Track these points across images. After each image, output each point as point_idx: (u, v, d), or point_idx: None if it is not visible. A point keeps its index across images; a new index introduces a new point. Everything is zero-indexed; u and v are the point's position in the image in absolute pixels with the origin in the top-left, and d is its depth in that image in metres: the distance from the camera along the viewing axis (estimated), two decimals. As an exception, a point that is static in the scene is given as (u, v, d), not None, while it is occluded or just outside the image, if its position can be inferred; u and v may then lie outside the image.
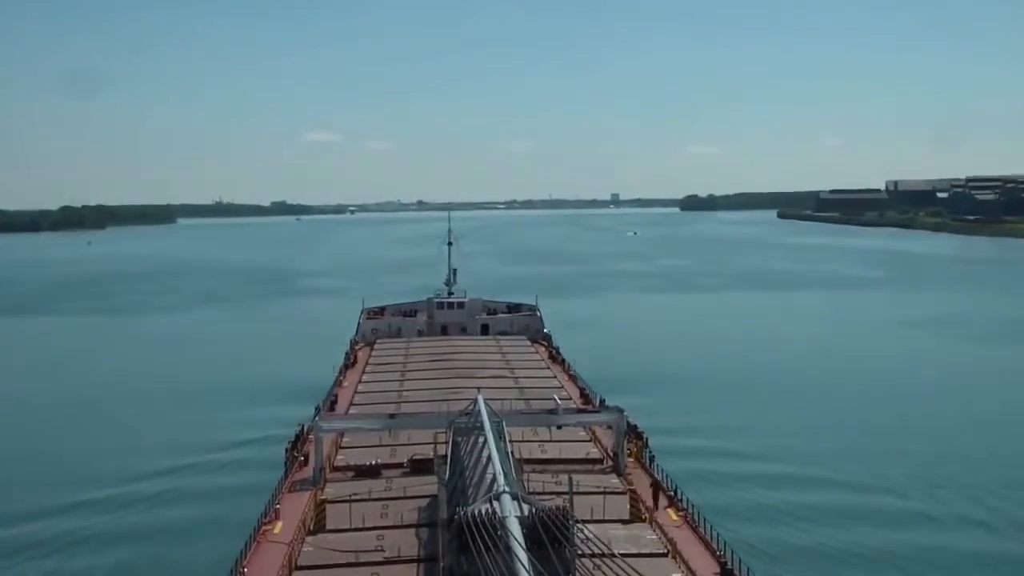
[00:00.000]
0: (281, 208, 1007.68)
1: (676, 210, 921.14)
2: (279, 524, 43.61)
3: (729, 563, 37.80)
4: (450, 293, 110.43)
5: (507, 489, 31.26)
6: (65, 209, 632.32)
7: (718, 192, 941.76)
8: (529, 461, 49.04)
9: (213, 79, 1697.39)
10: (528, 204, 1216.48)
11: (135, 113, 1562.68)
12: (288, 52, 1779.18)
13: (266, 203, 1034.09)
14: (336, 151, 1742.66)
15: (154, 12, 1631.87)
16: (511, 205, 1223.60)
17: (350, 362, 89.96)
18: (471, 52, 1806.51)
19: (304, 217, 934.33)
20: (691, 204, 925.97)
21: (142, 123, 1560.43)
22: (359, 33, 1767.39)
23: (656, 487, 48.50)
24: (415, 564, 37.77)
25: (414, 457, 51.19)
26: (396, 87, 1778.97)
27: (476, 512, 29.51)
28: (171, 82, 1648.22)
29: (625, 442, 52.27)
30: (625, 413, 53.39)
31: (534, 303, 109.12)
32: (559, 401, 61.38)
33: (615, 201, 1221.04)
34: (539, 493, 40.36)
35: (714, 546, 39.99)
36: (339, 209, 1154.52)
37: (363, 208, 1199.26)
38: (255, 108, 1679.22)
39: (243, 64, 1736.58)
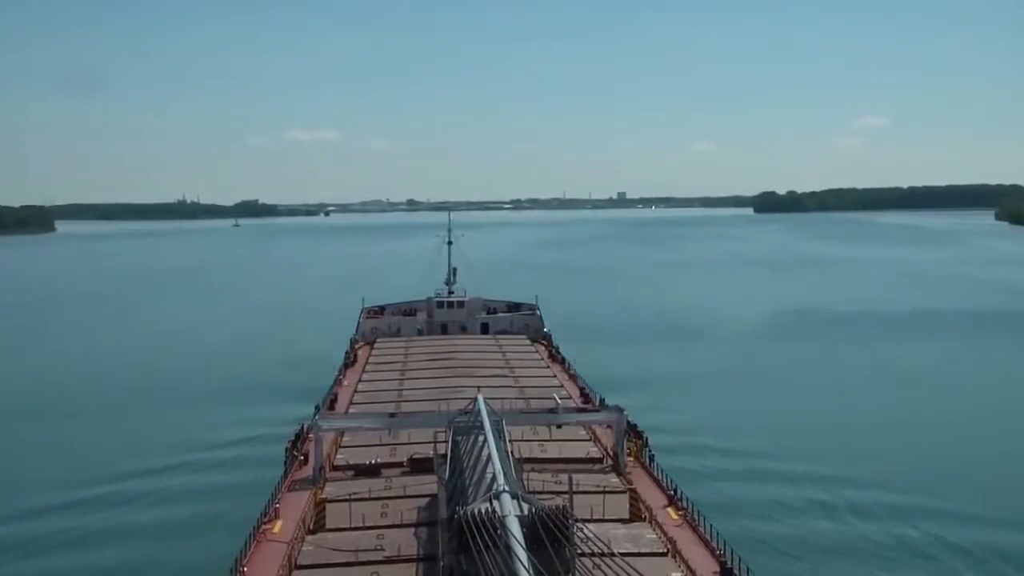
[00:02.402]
0: (251, 208, 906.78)
1: (749, 211, 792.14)
2: (279, 523, 43.61)
3: (729, 562, 37.77)
4: (450, 292, 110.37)
5: (507, 488, 31.22)
6: None
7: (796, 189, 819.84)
8: (529, 460, 49.01)
9: (191, 75, 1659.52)
10: (536, 204, 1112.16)
11: (113, 109, 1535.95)
12: (273, 47, 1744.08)
13: (237, 201, 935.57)
14: (322, 148, 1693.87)
15: (135, 6, 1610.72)
16: (518, 205, 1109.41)
17: (350, 361, 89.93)
18: (464, 42, 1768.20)
19: (245, 222, 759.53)
20: (767, 204, 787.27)
21: (112, 119, 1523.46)
22: (349, 24, 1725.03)
23: (656, 486, 48.53)
24: (415, 563, 37.76)
25: (414, 456, 51.17)
26: (387, 81, 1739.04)
27: (476, 511, 29.47)
28: (149, 79, 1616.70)
29: (625, 441, 52.26)
30: (625, 412, 53.40)
31: (534, 302, 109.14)
32: (559, 400, 61.44)
33: (643, 201, 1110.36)
34: (539, 492, 40.33)
35: (714, 545, 39.97)
36: (317, 209, 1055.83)
37: (346, 208, 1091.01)
38: (237, 105, 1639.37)
39: (223, 59, 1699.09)
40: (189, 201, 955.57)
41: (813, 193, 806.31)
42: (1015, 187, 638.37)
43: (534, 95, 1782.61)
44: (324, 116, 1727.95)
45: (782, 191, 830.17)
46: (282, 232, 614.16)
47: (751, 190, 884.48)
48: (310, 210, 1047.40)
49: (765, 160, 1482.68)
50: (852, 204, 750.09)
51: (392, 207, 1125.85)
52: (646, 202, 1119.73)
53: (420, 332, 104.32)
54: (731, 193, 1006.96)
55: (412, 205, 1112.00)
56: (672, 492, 47.43)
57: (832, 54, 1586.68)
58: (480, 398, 45.67)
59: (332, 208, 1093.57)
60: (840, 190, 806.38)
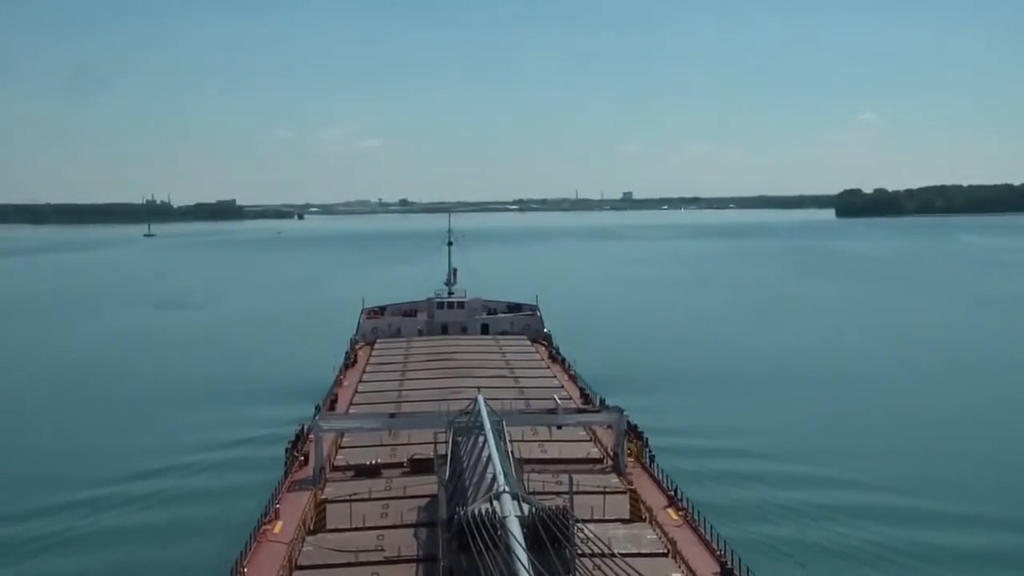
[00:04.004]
0: (212, 210, 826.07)
1: (829, 214, 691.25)
2: (279, 524, 43.63)
3: (729, 563, 37.80)
4: (450, 293, 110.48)
5: (507, 489, 31.28)
6: None
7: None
8: (529, 461, 49.02)
9: (174, 72, 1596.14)
10: (544, 205, 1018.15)
11: (89, 106, 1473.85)
12: (258, 42, 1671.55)
13: (212, 201, 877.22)
14: (309, 147, 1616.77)
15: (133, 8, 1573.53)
16: (525, 206, 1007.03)
17: (350, 361, 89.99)
18: (459, 34, 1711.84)
19: (198, 227, 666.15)
20: (853, 206, 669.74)
21: (86, 116, 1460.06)
22: (339, 14, 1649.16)
23: (656, 487, 48.55)
24: (415, 564, 37.79)
25: (414, 457, 51.22)
26: (379, 75, 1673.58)
27: (476, 512, 29.52)
28: (134, 75, 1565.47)
29: (625, 442, 52.30)
30: (625, 413, 53.46)
31: (534, 302, 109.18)
32: (559, 401, 61.44)
33: (667, 202, 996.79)
34: (539, 493, 40.37)
35: (714, 546, 40.01)
36: (295, 211, 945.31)
37: (329, 210, 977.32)
38: (220, 103, 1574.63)
39: (206, 55, 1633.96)
40: (159, 202, 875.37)
41: (910, 192, 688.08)
42: None
43: (530, 89, 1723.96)
44: (312, 114, 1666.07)
45: (828, 190, 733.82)
46: (208, 246, 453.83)
47: (758, 190, 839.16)
48: (282, 212, 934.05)
49: (768, 159, 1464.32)
50: (962, 206, 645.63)
51: (383, 208, 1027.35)
52: (672, 203, 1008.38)
53: (420, 333, 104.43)
54: (759, 193, 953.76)
55: (405, 206, 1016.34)
56: (672, 493, 47.46)
57: (837, 51, 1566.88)
58: (480, 399, 45.75)
59: (315, 209, 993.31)
60: (944, 187, 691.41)
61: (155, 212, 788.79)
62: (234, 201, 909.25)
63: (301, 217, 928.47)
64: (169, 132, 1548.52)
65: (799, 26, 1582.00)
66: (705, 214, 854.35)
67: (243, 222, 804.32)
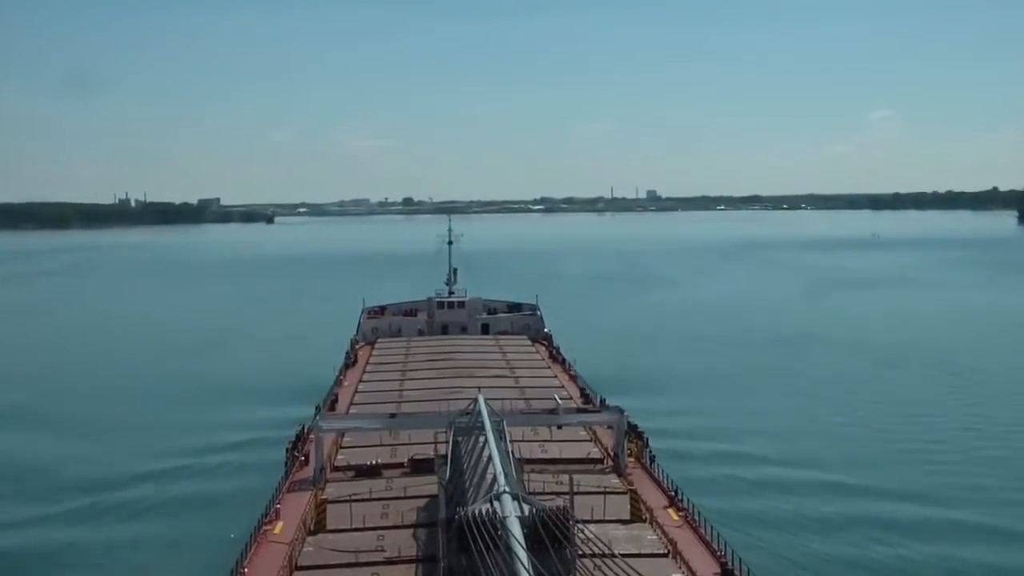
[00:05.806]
0: (182, 211, 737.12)
1: (1010, 220, 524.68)
2: (279, 524, 43.64)
3: (729, 563, 37.80)
4: (450, 292, 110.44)
5: (507, 489, 31.21)
6: None
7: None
8: (529, 461, 48.95)
9: (167, 70, 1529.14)
10: (572, 204, 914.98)
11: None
12: (249, 32, 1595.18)
13: (193, 201, 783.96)
14: (309, 143, 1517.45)
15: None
16: (551, 206, 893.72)
17: (350, 361, 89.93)
18: (464, 28, 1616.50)
19: (149, 231, 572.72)
20: None
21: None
22: (347, 7, 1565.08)
23: (657, 487, 48.55)
24: (415, 564, 37.78)
25: (414, 457, 51.19)
26: (380, 67, 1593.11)
27: (476, 512, 29.47)
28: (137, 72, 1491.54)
29: (625, 442, 52.27)
30: (626, 413, 53.43)
31: (535, 302, 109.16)
32: (559, 401, 61.38)
33: (713, 200, 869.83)
34: (539, 493, 40.32)
35: (715, 546, 40.00)
36: (284, 211, 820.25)
37: (319, 210, 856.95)
38: (213, 102, 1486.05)
39: (199, 49, 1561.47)
40: (134, 201, 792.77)
41: None
42: None
43: (545, 83, 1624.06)
44: (314, 111, 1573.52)
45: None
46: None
47: (778, 190, 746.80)
48: (251, 213, 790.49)
49: (777, 158, 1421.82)
50: None
51: (383, 208, 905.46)
52: (729, 202, 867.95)
53: (421, 332, 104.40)
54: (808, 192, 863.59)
55: (409, 205, 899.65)
56: (673, 493, 47.45)
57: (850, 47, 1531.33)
58: (480, 399, 45.66)
59: (303, 210, 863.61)
60: None
61: (89, 215, 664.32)
62: (218, 200, 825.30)
63: (270, 221, 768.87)
64: (150, 128, 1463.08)
65: (803, 24, 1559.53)
66: (783, 216, 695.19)
67: (205, 226, 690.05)
